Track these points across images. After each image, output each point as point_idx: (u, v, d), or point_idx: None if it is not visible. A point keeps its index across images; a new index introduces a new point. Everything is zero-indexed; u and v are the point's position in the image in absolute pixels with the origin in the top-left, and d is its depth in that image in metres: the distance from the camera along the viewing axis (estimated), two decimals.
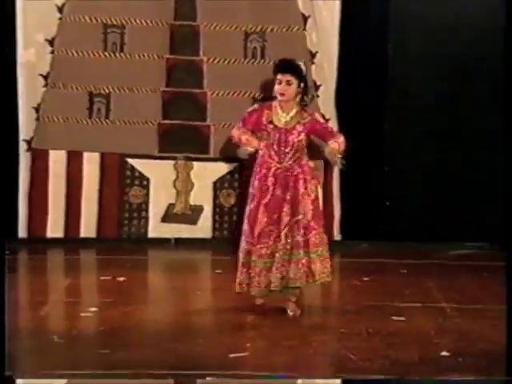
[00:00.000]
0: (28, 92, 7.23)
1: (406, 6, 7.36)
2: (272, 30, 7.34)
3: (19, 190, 7.29)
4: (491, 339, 4.70)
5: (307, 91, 5.32)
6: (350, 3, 7.27)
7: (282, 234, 5.15)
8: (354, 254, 7.16)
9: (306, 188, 5.21)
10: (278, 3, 7.32)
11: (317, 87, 7.34)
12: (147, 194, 7.47)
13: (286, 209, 5.17)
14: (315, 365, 4.29)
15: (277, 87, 5.18)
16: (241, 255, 5.23)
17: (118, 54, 7.30)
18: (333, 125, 7.38)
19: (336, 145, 5.20)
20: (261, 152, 5.26)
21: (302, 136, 5.20)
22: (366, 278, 6.18)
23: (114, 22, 7.27)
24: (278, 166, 5.20)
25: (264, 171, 5.22)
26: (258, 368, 4.22)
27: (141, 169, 7.45)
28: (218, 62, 7.33)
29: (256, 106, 5.40)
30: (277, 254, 5.14)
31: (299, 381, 4.12)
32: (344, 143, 5.27)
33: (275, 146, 5.21)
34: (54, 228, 7.35)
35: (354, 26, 7.30)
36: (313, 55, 7.33)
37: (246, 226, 5.23)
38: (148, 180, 7.46)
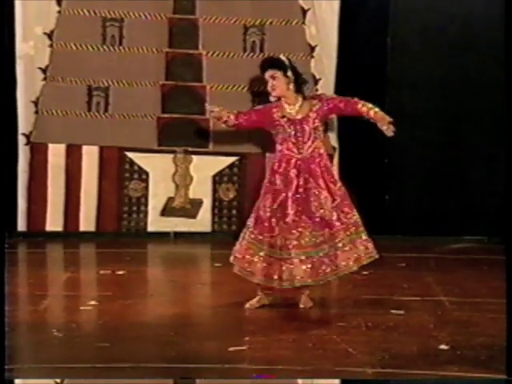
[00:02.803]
0: (27, 85, 7.23)
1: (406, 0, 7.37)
2: (271, 23, 7.33)
3: (18, 184, 7.30)
4: (490, 332, 4.70)
5: (300, 81, 5.31)
6: None
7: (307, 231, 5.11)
8: None
9: (331, 176, 5.23)
10: None
11: (316, 81, 7.34)
12: (146, 188, 7.47)
13: (311, 203, 5.16)
14: (314, 358, 4.29)
15: (268, 86, 5.24)
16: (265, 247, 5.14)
17: (116, 48, 7.30)
18: (332, 118, 7.39)
19: (376, 112, 5.26)
20: (279, 147, 5.24)
21: (317, 123, 5.21)
22: (364, 272, 6.17)
23: (113, 16, 7.27)
24: (298, 157, 5.20)
25: (284, 165, 5.21)
26: (257, 362, 4.23)
27: (140, 162, 7.45)
28: (217, 55, 7.32)
29: (261, 105, 5.40)
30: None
31: (299, 381, 4.12)
32: (372, 106, 5.27)
33: (293, 138, 5.20)
34: (54, 222, 7.36)
35: (354, 19, 7.30)
36: (312, 49, 7.32)
37: (266, 223, 5.14)
38: (147, 174, 7.46)
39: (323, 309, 5.42)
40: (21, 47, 7.20)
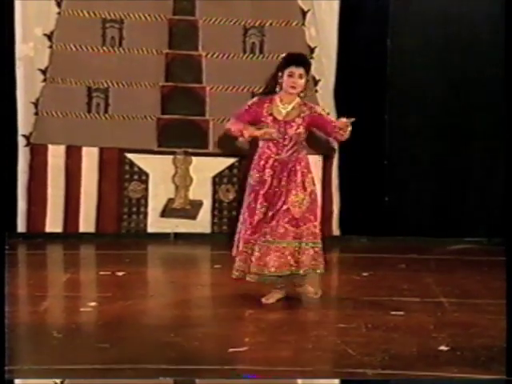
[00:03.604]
0: (26, 87, 7.23)
1: (405, 0, 7.36)
2: (271, 24, 7.33)
3: (18, 185, 7.30)
4: (490, 333, 4.70)
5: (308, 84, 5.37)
6: None
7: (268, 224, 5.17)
8: (353, 249, 7.17)
9: (301, 181, 5.22)
10: None
11: (316, 82, 7.34)
12: (146, 189, 7.47)
13: (280, 199, 5.19)
14: (314, 360, 4.29)
15: (288, 80, 5.20)
16: (241, 244, 5.24)
17: (116, 49, 7.30)
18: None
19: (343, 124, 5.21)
20: (260, 143, 5.30)
21: (301, 129, 5.22)
22: (364, 273, 6.18)
23: (113, 17, 7.27)
24: (275, 157, 5.23)
25: (262, 162, 5.26)
26: (257, 363, 4.23)
27: (140, 164, 7.45)
28: (217, 56, 7.33)
29: (255, 99, 5.40)
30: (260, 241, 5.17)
31: (299, 381, 4.12)
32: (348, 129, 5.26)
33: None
34: (53, 223, 7.36)
35: (353, 20, 7.30)
36: (312, 50, 7.32)
37: (246, 217, 5.24)
38: (147, 175, 7.46)
39: (323, 310, 5.42)
40: (20, 48, 7.20)
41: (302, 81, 5.20)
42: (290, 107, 5.23)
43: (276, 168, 5.23)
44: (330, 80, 7.36)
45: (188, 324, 4.97)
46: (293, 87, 5.19)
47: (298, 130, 5.21)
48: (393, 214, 7.42)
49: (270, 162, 5.23)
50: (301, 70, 5.19)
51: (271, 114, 5.23)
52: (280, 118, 5.22)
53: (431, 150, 7.44)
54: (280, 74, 5.22)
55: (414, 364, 4.20)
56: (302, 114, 5.23)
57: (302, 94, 5.28)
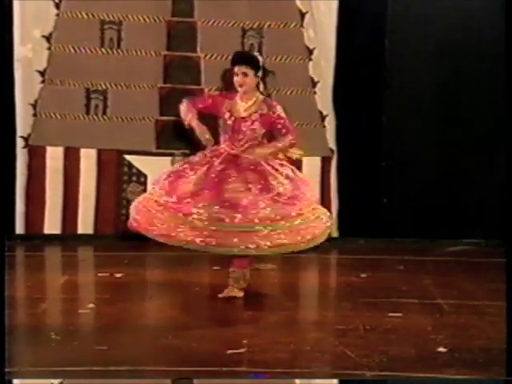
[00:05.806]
0: (25, 88, 7.23)
1: (404, 2, 7.37)
2: (269, 26, 7.33)
3: (16, 187, 7.29)
4: (488, 335, 4.71)
5: (265, 81, 5.38)
6: None
7: None
8: (351, 251, 7.17)
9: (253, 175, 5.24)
10: None
11: (314, 83, 7.34)
12: (144, 191, 7.45)
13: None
14: (312, 361, 4.29)
15: (235, 79, 5.32)
16: None
17: (115, 51, 7.30)
18: (331, 121, 7.41)
19: (264, 150, 5.24)
20: (221, 138, 5.39)
21: (256, 126, 5.28)
22: (362, 275, 6.19)
23: (111, 18, 7.27)
24: (228, 151, 5.28)
25: (210, 155, 5.31)
26: (255, 364, 4.23)
27: (138, 165, 7.45)
28: (216, 58, 7.33)
29: (216, 92, 5.51)
30: None
31: (297, 380, 4.13)
32: (290, 143, 5.29)
33: (230, 133, 5.32)
34: (52, 224, 7.35)
35: (352, 21, 7.30)
36: (310, 51, 7.33)
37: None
38: (145, 176, 7.46)
39: (321, 311, 5.42)
40: (19, 50, 7.20)
41: (247, 79, 5.27)
42: (247, 104, 5.31)
43: (225, 159, 5.25)
44: (329, 81, 7.36)
45: (186, 326, 4.97)
46: (240, 86, 5.29)
47: (252, 127, 5.30)
48: (391, 215, 7.43)
49: (223, 156, 5.27)
50: (243, 68, 5.28)
51: (230, 111, 5.34)
52: (236, 114, 5.32)
53: (429, 152, 7.44)
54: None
55: (412, 366, 4.21)
56: (260, 111, 5.30)
57: (262, 90, 5.33)
